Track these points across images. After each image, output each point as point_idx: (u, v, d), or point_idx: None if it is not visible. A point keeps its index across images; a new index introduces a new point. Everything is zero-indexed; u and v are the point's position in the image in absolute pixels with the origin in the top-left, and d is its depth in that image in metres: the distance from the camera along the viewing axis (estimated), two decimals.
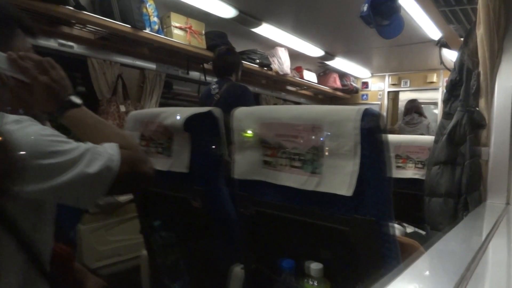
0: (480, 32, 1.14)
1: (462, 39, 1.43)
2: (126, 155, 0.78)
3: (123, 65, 2.81)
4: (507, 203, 1.12)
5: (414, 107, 4.79)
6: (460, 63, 1.26)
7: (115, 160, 0.75)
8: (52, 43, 2.33)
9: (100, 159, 0.73)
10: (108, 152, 0.75)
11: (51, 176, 0.68)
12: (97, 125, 0.86)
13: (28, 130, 0.69)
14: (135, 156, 0.81)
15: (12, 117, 0.69)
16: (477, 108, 1.18)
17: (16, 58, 0.78)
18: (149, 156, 1.27)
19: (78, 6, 2.18)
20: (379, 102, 5.78)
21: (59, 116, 0.84)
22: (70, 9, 2.13)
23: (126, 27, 2.46)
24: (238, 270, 1.17)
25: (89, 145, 0.75)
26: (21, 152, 0.65)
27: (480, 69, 1.16)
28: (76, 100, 0.86)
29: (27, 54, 0.80)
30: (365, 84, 5.91)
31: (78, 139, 0.79)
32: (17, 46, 0.81)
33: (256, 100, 4.16)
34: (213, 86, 2.47)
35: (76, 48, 2.47)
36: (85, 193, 0.74)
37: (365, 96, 5.92)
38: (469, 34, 1.24)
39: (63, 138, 0.73)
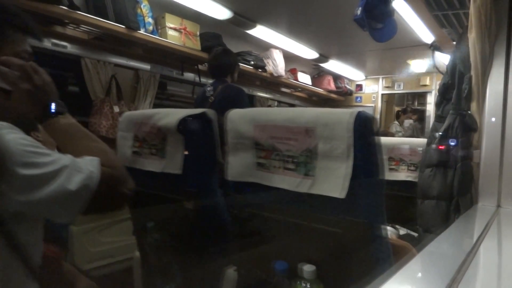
0: (472, 36, 1.15)
1: (454, 42, 1.45)
2: (106, 174, 0.74)
3: (117, 65, 2.80)
4: (498, 206, 1.13)
5: None
6: (453, 66, 1.27)
7: (95, 178, 0.72)
8: (45, 43, 2.31)
9: (80, 175, 0.70)
10: (88, 169, 0.72)
11: (25, 189, 0.65)
12: (80, 136, 0.83)
13: (5, 138, 0.65)
14: (115, 176, 0.78)
15: None
16: (469, 112, 1.19)
17: None
18: (139, 157, 1.27)
19: (72, 6, 2.17)
20: (373, 105, 5.81)
21: (41, 123, 0.80)
22: (64, 9, 2.12)
23: (120, 27, 2.45)
24: (231, 272, 1.16)
25: (69, 158, 0.71)
26: None
27: (472, 72, 1.17)
28: (60, 107, 0.82)
29: (7, 59, 0.76)
30: (359, 87, 5.94)
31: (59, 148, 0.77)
32: (7, 48, 0.78)
33: (250, 102, 4.17)
34: (208, 88, 2.47)
35: (69, 48, 2.46)
36: (61, 209, 0.71)
37: (359, 99, 5.95)
38: (461, 38, 1.25)
39: (43, 149, 0.69)
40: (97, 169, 0.73)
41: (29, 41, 0.85)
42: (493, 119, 1.15)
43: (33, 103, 0.78)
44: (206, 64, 3.26)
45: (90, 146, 0.80)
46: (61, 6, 2.10)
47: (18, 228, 0.71)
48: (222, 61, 2.51)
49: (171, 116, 1.17)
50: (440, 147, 1.22)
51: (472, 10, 1.14)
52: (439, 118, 1.30)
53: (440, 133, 1.22)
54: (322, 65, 4.74)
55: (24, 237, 0.73)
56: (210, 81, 2.57)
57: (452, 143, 1.18)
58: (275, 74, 3.97)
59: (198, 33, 3.06)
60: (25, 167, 0.65)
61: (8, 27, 0.80)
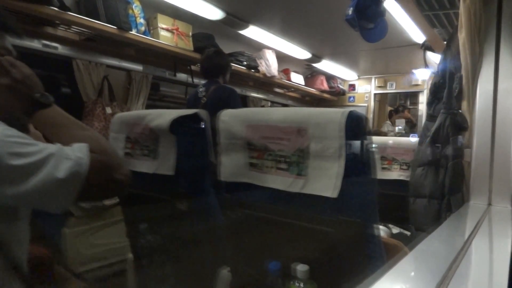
0: (462, 35, 1.16)
1: (445, 42, 1.46)
2: (96, 159, 0.72)
3: (109, 66, 2.78)
4: (489, 204, 1.14)
5: None
6: (443, 66, 1.28)
7: (84, 164, 0.70)
8: (35, 44, 2.29)
9: (68, 162, 0.68)
10: (76, 155, 0.70)
11: (13, 180, 0.64)
12: (69, 126, 0.81)
13: None
14: (107, 161, 0.76)
15: None
16: (460, 111, 1.20)
17: None
18: (132, 159, 1.26)
19: (63, 7, 2.15)
20: (365, 104, 5.84)
21: (28, 118, 0.79)
22: (55, 10, 2.10)
23: (112, 28, 2.43)
24: (225, 273, 1.16)
25: (56, 147, 0.70)
26: None
27: (463, 72, 1.18)
28: (46, 99, 0.80)
29: None
30: (352, 86, 5.97)
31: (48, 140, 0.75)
32: None
33: (243, 102, 4.17)
34: (201, 89, 2.47)
35: (60, 49, 2.44)
36: (52, 199, 0.69)
37: (352, 98, 5.98)
38: (452, 38, 1.26)
39: (28, 140, 0.68)
40: (86, 155, 0.71)
41: (9, 39, 0.82)
42: (484, 118, 1.16)
43: (15, 97, 0.76)
44: (198, 64, 3.25)
45: (80, 135, 0.78)
46: (51, 7, 2.08)
47: (4, 226, 0.70)
48: (214, 62, 2.50)
49: (163, 117, 1.16)
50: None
51: (462, 10, 1.15)
52: (431, 117, 1.31)
53: (432, 132, 1.23)
54: (315, 65, 4.75)
55: (9, 235, 0.71)
56: (203, 81, 2.56)
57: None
58: (268, 75, 3.97)
59: (190, 34, 3.06)
60: (10, 157, 0.63)
61: None
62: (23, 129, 0.82)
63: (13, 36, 0.83)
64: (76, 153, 0.70)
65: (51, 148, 0.69)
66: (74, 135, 0.78)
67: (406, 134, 5.30)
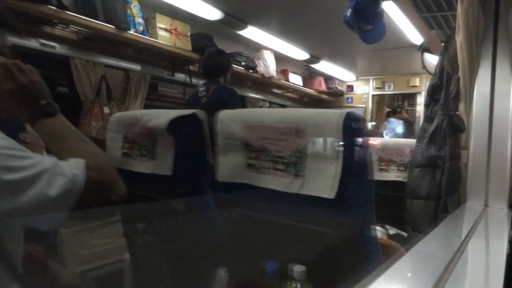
0: (460, 38, 1.17)
1: (443, 44, 1.46)
2: (92, 177, 0.69)
3: (107, 66, 2.78)
4: (485, 205, 1.15)
5: None
6: (441, 67, 1.29)
7: (78, 181, 0.67)
8: (33, 43, 2.28)
9: (62, 179, 0.65)
10: (72, 172, 0.67)
11: (2, 195, 0.60)
12: (72, 139, 0.78)
13: None
14: (103, 179, 0.73)
15: None
16: (457, 112, 1.20)
17: None
18: (129, 159, 1.26)
19: (61, 6, 2.15)
20: (364, 105, 5.85)
21: (31, 124, 0.76)
22: (53, 9, 2.10)
23: (110, 27, 2.43)
24: (222, 273, 1.16)
25: (51, 161, 0.67)
26: None
27: (460, 74, 1.19)
28: (51, 108, 0.77)
29: None
30: (350, 87, 5.98)
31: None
32: None
33: (241, 102, 4.17)
34: (201, 89, 2.46)
35: (58, 48, 2.43)
36: (43, 216, 0.66)
37: (350, 99, 5.99)
38: (449, 40, 1.27)
39: (22, 152, 0.65)
40: (82, 173, 0.69)
41: (8, 37, 0.81)
42: (481, 120, 1.16)
43: (20, 103, 0.75)
44: (197, 64, 3.25)
45: (80, 149, 0.76)
46: (49, 6, 2.08)
47: None
48: (216, 61, 2.50)
49: (161, 117, 1.16)
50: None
51: (459, 12, 1.15)
52: (428, 118, 1.31)
53: (429, 134, 1.23)
54: (313, 66, 4.76)
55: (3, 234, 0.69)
56: (201, 81, 2.56)
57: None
58: (266, 75, 3.98)
59: (189, 34, 3.06)
60: (2, 172, 0.60)
61: None
62: (21, 127, 0.82)
63: (13, 35, 0.81)
64: (72, 170, 0.68)
65: (46, 162, 0.66)
66: (74, 149, 0.75)
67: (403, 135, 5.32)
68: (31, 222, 0.68)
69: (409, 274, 0.63)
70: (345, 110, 0.81)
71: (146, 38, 2.73)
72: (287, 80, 4.66)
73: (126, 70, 2.94)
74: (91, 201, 0.70)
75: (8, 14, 0.81)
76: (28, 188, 0.62)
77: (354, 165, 0.81)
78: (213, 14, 2.93)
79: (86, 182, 0.68)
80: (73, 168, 0.68)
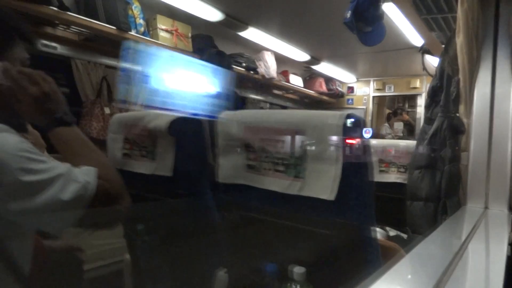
0: (460, 39, 1.17)
1: (443, 46, 1.46)
2: (102, 186, 0.73)
3: (108, 66, 2.78)
4: (486, 207, 1.14)
5: None
6: (441, 69, 1.29)
7: (90, 188, 0.71)
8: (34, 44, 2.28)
9: (74, 185, 0.69)
10: (84, 179, 0.71)
11: (19, 196, 0.64)
12: (83, 148, 0.82)
13: (3, 140, 0.65)
14: (112, 189, 0.76)
15: None
16: (457, 114, 1.21)
17: (8, 69, 0.75)
18: (130, 159, 1.26)
19: (62, 7, 2.15)
20: (364, 107, 5.85)
21: (46, 131, 0.80)
22: (54, 10, 2.10)
23: (111, 28, 2.44)
24: (221, 274, 1.16)
25: (65, 167, 0.70)
26: None
27: (460, 76, 1.19)
28: (67, 118, 0.82)
29: (21, 68, 0.79)
30: (351, 89, 5.97)
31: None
32: (14, 56, 0.80)
33: (242, 103, 4.17)
34: None
35: (59, 49, 2.44)
36: (54, 220, 0.69)
37: (350, 101, 5.99)
38: (449, 42, 1.27)
39: (38, 156, 0.68)
40: (94, 180, 0.72)
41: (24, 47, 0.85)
42: (481, 122, 1.16)
43: (40, 111, 0.79)
44: None
45: (91, 159, 0.79)
46: (50, 7, 2.08)
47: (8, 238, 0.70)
48: (216, 62, 2.50)
49: (162, 118, 1.16)
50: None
51: (459, 14, 1.16)
52: (428, 120, 1.31)
53: (429, 135, 1.23)
54: (313, 67, 4.76)
55: (13, 246, 0.71)
56: None
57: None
58: (267, 76, 3.98)
59: (189, 35, 3.06)
60: (21, 173, 0.63)
61: (14, 35, 0.82)
62: (22, 127, 0.83)
63: (28, 44, 0.86)
64: (84, 177, 0.71)
65: (61, 168, 0.70)
66: (86, 157, 0.79)
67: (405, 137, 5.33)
68: (40, 223, 0.70)
69: (409, 276, 0.63)
70: (345, 112, 0.81)
71: (147, 39, 2.74)
72: (288, 81, 4.66)
73: None
74: (98, 209, 0.73)
75: (27, 28, 0.86)
76: (43, 190, 0.65)
77: (354, 166, 0.81)
78: (214, 15, 2.93)
79: (97, 190, 0.71)
80: (85, 175, 0.72)
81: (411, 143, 1.75)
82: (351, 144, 0.80)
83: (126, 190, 0.82)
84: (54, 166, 0.69)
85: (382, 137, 5.15)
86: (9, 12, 0.84)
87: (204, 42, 3.15)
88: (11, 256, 0.71)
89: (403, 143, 1.93)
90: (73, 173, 0.70)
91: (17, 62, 0.80)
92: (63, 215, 0.68)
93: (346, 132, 0.79)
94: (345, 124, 0.79)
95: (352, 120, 0.80)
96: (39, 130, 0.81)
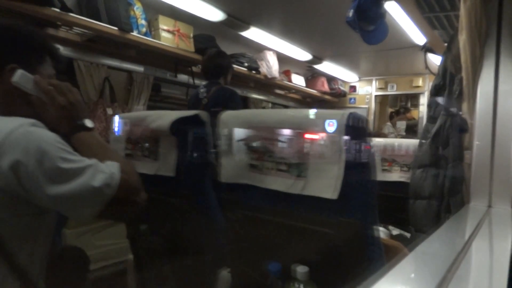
0: (463, 38, 1.16)
1: (446, 44, 1.46)
2: (125, 178, 0.81)
3: (110, 67, 2.79)
4: (489, 206, 1.14)
5: None
6: (444, 68, 1.28)
7: (115, 178, 0.79)
8: None
9: (103, 174, 0.77)
10: (110, 170, 0.79)
11: (57, 180, 0.73)
12: (103, 150, 0.90)
13: (45, 133, 0.76)
14: (133, 183, 0.85)
15: (29, 120, 0.77)
16: (460, 113, 1.20)
17: (40, 82, 0.87)
18: (132, 160, 1.26)
19: (64, 8, 2.16)
20: (366, 106, 5.84)
21: (70, 136, 0.89)
22: (56, 11, 2.11)
23: (113, 29, 2.44)
24: (225, 274, 1.16)
25: (93, 160, 0.79)
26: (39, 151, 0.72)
27: (463, 74, 1.18)
28: (88, 124, 0.91)
29: (51, 81, 0.90)
30: (353, 88, 5.97)
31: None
32: (44, 71, 0.92)
33: (244, 103, 4.17)
34: (202, 90, 2.47)
35: (62, 50, 2.44)
36: (84, 205, 0.77)
37: (352, 100, 5.98)
38: (452, 40, 1.26)
39: (70, 149, 0.78)
40: (118, 171, 0.80)
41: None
42: (484, 120, 1.16)
43: (65, 117, 0.88)
44: (199, 66, 3.26)
45: (112, 157, 0.88)
46: (53, 8, 2.09)
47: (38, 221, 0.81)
48: (216, 63, 2.51)
49: (164, 118, 1.16)
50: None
51: (462, 12, 1.15)
52: (431, 119, 1.31)
53: (432, 134, 1.23)
54: (315, 66, 4.76)
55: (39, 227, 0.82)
56: (204, 83, 2.56)
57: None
58: (269, 76, 3.98)
59: (191, 35, 3.06)
60: (60, 160, 0.74)
61: (45, 53, 0.94)
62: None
63: (55, 61, 0.97)
64: (110, 168, 0.80)
65: (89, 160, 0.79)
66: (107, 157, 0.87)
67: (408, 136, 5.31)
68: (70, 209, 0.79)
69: (412, 275, 0.63)
70: (348, 111, 0.81)
71: (149, 40, 2.74)
72: (290, 81, 4.66)
73: (129, 72, 2.95)
74: (121, 200, 0.81)
75: (55, 48, 0.97)
76: (77, 177, 0.75)
77: (357, 165, 0.81)
78: (216, 15, 2.93)
79: (121, 181, 0.80)
80: (111, 167, 0.81)
81: (414, 141, 1.75)
82: (354, 143, 0.80)
83: (142, 185, 0.90)
84: (84, 158, 0.79)
85: (385, 136, 5.13)
86: (42, 34, 0.96)
87: (206, 42, 3.15)
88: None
89: (405, 142, 1.93)
90: (100, 166, 0.79)
91: (46, 76, 0.91)
92: (93, 201, 0.77)
93: (348, 131, 0.79)
94: (347, 123, 0.79)
95: (355, 119, 0.80)
96: (63, 135, 0.89)
